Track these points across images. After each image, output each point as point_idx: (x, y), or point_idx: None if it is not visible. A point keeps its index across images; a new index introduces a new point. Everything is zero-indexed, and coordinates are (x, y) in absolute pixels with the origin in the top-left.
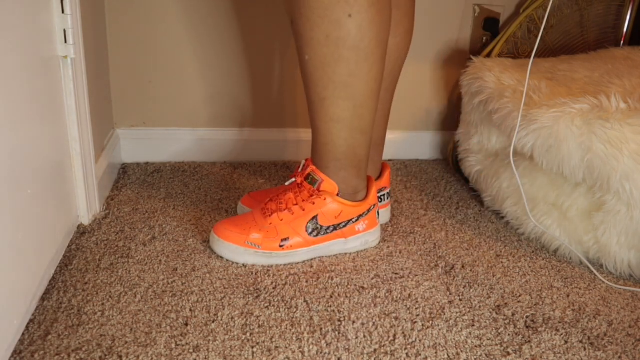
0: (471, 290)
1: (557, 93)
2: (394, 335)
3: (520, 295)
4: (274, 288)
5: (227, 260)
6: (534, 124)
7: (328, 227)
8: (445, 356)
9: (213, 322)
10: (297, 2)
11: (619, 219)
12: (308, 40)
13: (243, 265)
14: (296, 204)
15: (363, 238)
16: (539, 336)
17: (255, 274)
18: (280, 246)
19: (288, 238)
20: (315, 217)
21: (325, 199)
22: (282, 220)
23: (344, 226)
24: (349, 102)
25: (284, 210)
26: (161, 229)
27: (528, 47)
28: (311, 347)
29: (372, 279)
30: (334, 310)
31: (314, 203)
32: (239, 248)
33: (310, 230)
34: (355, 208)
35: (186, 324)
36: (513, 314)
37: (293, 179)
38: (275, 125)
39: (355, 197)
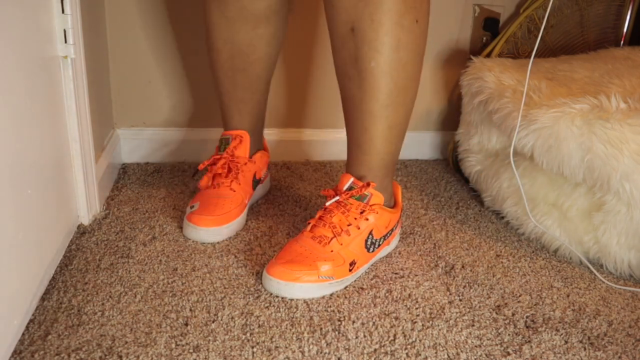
0: (471, 290)
1: (557, 93)
2: (394, 335)
3: (520, 295)
4: None
5: (227, 260)
6: (534, 124)
7: (380, 239)
8: (445, 356)
9: (213, 322)
10: (369, 7)
11: (619, 219)
12: (378, 46)
13: (243, 265)
14: (350, 224)
15: (397, 239)
16: (539, 336)
17: (256, 274)
18: (350, 270)
19: (354, 260)
20: (370, 233)
21: (377, 212)
22: (342, 244)
23: (390, 234)
24: (405, 107)
25: (341, 233)
26: (161, 229)
27: (528, 47)
28: (311, 347)
29: (372, 279)
30: (333, 310)
31: (367, 219)
32: (315, 285)
33: (368, 246)
34: (396, 214)
35: (186, 324)
36: (513, 314)
37: (335, 198)
38: (276, 125)
39: (391, 202)
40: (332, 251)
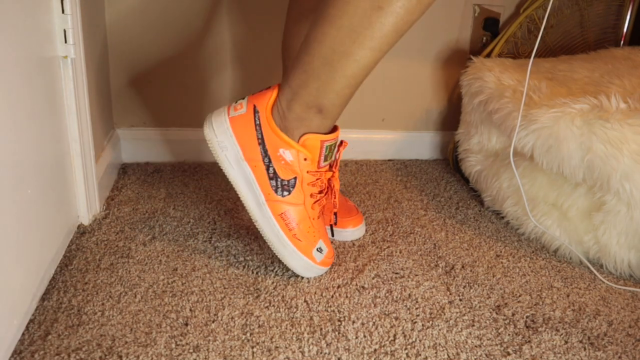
0: (471, 290)
1: (557, 93)
2: (394, 335)
3: (520, 295)
4: (274, 288)
5: (227, 260)
6: (534, 124)
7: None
8: (445, 356)
9: (213, 322)
10: None
11: (619, 219)
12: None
13: (243, 265)
14: None
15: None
16: (539, 336)
17: (256, 274)
18: None
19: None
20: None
21: None
22: None
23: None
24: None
25: None
26: (161, 229)
27: (528, 47)
28: (311, 347)
29: (372, 278)
30: (334, 310)
31: None
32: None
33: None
34: None
35: (186, 324)
36: (513, 314)
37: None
38: None
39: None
40: None
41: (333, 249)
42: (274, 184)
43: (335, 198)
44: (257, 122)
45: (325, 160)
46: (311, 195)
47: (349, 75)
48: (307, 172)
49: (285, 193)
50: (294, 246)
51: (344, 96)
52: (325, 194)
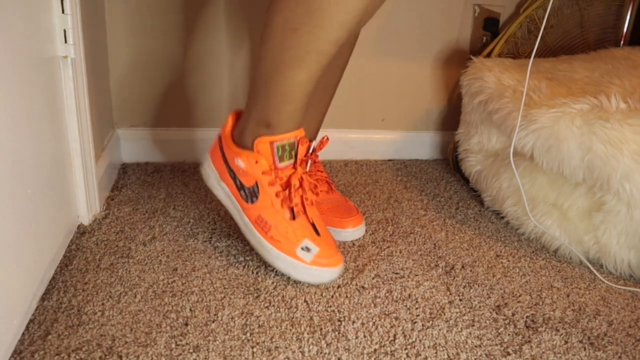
0: (471, 290)
1: (557, 93)
2: (394, 335)
3: (520, 295)
4: (274, 288)
5: (227, 260)
6: (534, 124)
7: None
8: (445, 356)
9: (213, 322)
10: None
11: (619, 219)
12: None
13: (243, 265)
14: None
15: None
16: (539, 336)
17: (256, 274)
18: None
19: None
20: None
21: None
22: None
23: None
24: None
25: None
26: (161, 229)
27: (528, 47)
28: (311, 347)
29: (372, 278)
30: (334, 310)
31: None
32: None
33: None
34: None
35: (186, 324)
36: (513, 314)
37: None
38: None
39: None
40: None
41: (332, 249)
42: (244, 194)
43: (305, 194)
44: (220, 145)
45: (282, 160)
46: (276, 195)
47: (283, 92)
48: (262, 173)
49: (254, 199)
50: (273, 247)
51: (286, 112)
52: (286, 190)
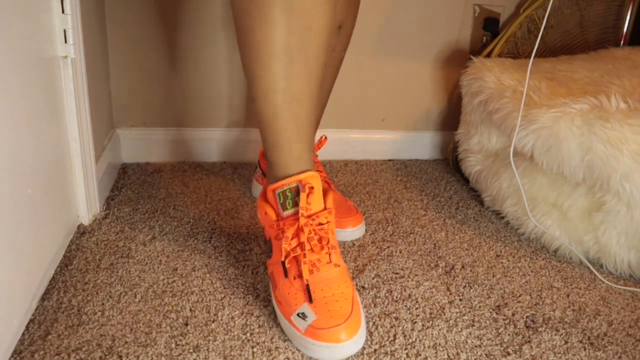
0: (471, 290)
1: (557, 93)
2: (394, 335)
3: (520, 295)
4: None
5: (227, 260)
6: (534, 124)
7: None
8: (445, 356)
9: (213, 322)
10: None
11: (619, 219)
12: None
13: (243, 265)
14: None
15: None
16: (539, 336)
17: (256, 274)
18: None
19: None
20: None
21: None
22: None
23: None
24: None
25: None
26: (161, 229)
27: (528, 47)
28: None
29: (372, 278)
30: None
31: None
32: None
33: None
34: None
35: (186, 324)
36: (513, 314)
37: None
38: None
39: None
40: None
41: (336, 320)
42: (266, 247)
43: (303, 250)
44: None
45: (285, 209)
46: (283, 250)
47: (272, 133)
48: (269, 226)
49: (271, 253)
50: (277, 308)
51: (274, 150)
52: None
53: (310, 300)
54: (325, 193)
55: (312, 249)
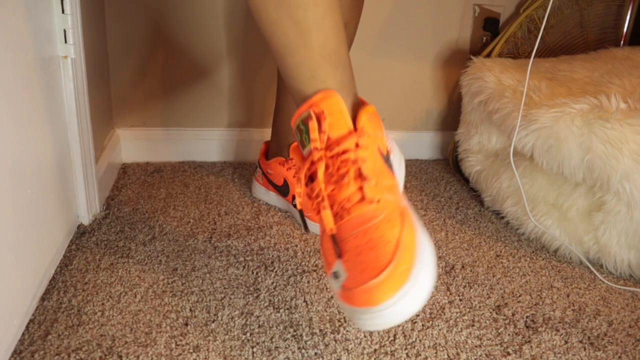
0: (471, 290)
1: (557, 93)
2: (394, 335)
3: (520, 295)
4: (274, 288)
5: (227, 260)
6: (534, 124)
7: None
8: (445, 356)
9: (213, 322)
10: None
11: (619, 219)
12: None
13: (243, 265)
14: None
15: None
16: (539, 336)
17: (256, 274)
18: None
19: None
20: None
21: None
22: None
23: None
24: None
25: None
26: (161, 229)
27: (528, 47)
28: (311, 347)
29: None
30: (333, 311)
31: None
32: None
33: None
34: None
35: (186, 324)
36: (513, 314)
37: None
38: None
39: None
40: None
41: (369, 274)
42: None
43: (313, 183)
44: None
45: (304, 146)
46: (297, 196)
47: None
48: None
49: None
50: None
51: (286, 76)
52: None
53: (339, 254)
54: (355, 109)
55: (336, 188)
